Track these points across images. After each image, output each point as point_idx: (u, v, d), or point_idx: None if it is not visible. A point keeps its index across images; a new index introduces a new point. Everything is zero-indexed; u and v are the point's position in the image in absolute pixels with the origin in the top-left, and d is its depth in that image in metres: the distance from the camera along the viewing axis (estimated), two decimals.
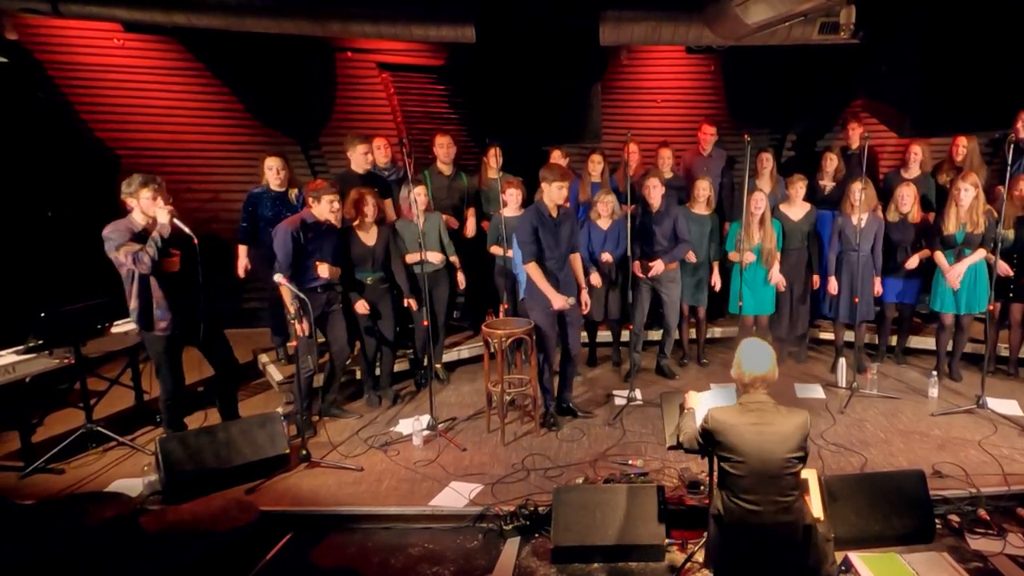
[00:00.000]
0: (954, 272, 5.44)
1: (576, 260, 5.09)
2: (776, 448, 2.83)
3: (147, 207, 4.36)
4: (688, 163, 6.68)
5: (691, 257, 5.84)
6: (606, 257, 5.63)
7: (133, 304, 4.46)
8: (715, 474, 3.59)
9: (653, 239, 5.65)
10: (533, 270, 4.85)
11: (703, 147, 6.67)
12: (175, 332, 4.56)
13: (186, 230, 4.34)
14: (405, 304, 5.43)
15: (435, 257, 5.53)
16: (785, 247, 5.89)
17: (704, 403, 3.61)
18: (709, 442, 2.98)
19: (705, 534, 3.67)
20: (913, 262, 5.65)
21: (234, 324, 6.72)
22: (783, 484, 2.86)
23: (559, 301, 4.83)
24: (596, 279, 5.63)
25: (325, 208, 4.88)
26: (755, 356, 3.00)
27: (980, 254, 5.41)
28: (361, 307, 5.27)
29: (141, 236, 4.36)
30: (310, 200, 4.91)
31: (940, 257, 5.51)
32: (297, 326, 4.65)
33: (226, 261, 5.74)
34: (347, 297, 5.28)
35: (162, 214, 4.31)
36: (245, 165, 6.70)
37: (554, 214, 4.84)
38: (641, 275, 5.67)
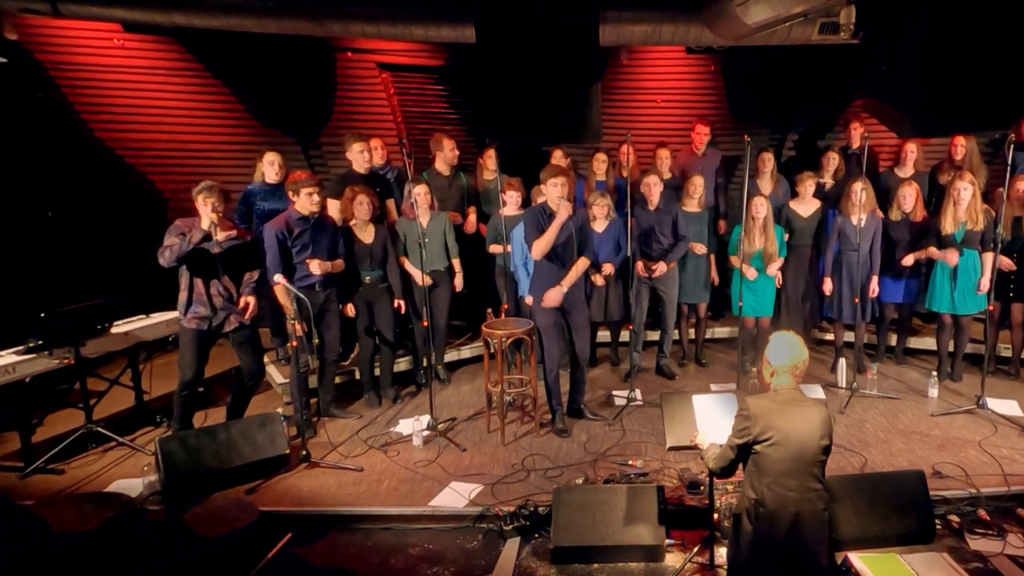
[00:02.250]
0: (952, 253, 5.38)
1: (581, 263, 4.94)
2: (813, 433, 2.84)
3: (202, 211, 4.56)
4: (683, 163, 6.67)
5: (699, 248, 5.85)
6: (607, 269, 5.61)
7: (183, 296, 4.63)
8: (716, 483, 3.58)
9: (652, 238, 5.66)
10: (538, 245, 4.78)
11: (697, 146, 6.67)
12: (207, 327, 4.66)
13: (215, 236, 4.56)
14: (395, 305, 5.43)
15: (416, 275, 5.51)
16: (793, 243, 5.89)
17: (707, 420, 3.61)
18: (748, 432, 2.87)
19: (706, 534, 3.69)
20: (909, 260, 5.65)
21: None
22: (816, 471, 2.87)
23: (564, 211, 4.73)
24: (599, 279, 5.62)
25: (305, 201, 4.86)
26: (785, 348, 2.97)
27: (990, 258, 5.35)
28: (349, 310, 5.27)
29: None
30: (291, 194, 4.90)
31: (934, 251, 5.50)
32: (296, 325, 4.66)
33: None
34: (346, 296, 5.29)
35: (205, 220, 4.54)
36: (246, 165, 6.68)
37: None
38: (644, 275, 5.67)
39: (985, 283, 5.36)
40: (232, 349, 4.92)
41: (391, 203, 5.87)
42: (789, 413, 2.87)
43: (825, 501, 2.90)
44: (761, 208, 5.65)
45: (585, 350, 5.17)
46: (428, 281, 5.35)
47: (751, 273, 5.65)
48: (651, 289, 5.80)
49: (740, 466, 3.02)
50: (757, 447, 2.87)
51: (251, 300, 4.75)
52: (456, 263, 5.79)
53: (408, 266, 5.51)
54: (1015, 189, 5.48)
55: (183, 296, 4.63)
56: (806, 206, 5.94)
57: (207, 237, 4.54)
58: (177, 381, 4.78)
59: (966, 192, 5.34)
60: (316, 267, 4.92)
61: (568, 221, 4.78)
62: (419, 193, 5.43)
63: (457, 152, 6.13)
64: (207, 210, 4.54)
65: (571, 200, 5.21)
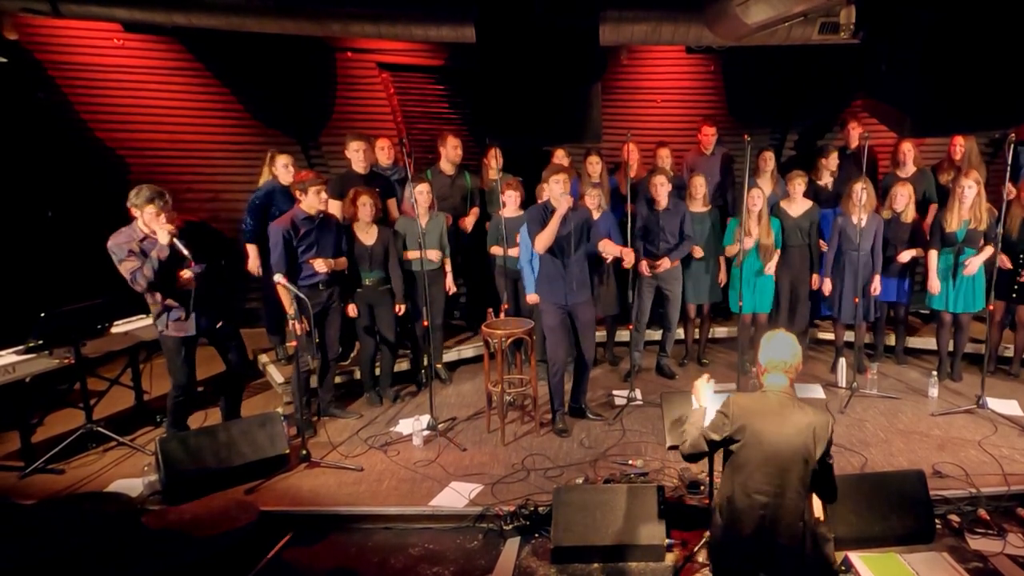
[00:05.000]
0: (936, 282, 5.52)
1: (605, 243, 5.01)
2: (790, 439, 2.82)
3: (149, 221, 4.34)
4: (691, 163, 6.70)
5: (697, 252, 5.86)
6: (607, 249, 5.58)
7: (155, 309, 4.48)
8: (714, 474, 3.59)
9: (659, 237, 5.67)
10: (540, 239, 4.79)
11: (705, 147, 6.68)
12: (192, 333, 4.60)
13: (184, 251, 4.32)
14: (396, 309, 5.44)
15: (434, 255, 5.54)
16: (786, 244, 5.90)
17: (710, 402, 3.59)
18: (723, 430, 2.89)
19: (707, 533, 3.69)
20: (904, 257, 5.66)
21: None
22: (793, 479, 2.83)
23: (564, 204, 4.71)
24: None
25: (313, 199, 4.86)
26: (778, 347, 2.98)
27: (988, 251, 5.39)
28: (351, 310, 5.27)
29: (145, 247, 4.35)
30: (298, 193, 4.90)
31: (932, 257, 5.52)
32: (297, 325, 4.66)
33: (227, 261, 5.75)
34: (348, 296, 5.29)
35: (162, 234, 4.28)
36: (245, 165, 6.70)
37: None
38: (648, 274, 5.67)
39: (976, 262, 5.37)
40: (213, 348, 4.88)
41: (392, 203, 5.88)
42: (768, 416, 2.86)
43: (802, 512, 2.85)
44: (758, 200, 5.68)
45: (590, 350, 5.17)
46: (435, 256, 5.38)
47: (748, 243, 5.63)
48: (655, 288, 5.80)
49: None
50: (732, 446, 2.89)
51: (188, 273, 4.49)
52: (447, 264, 5.79)
53: (410, 255, 5.53)
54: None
55: (155, 309, 4.47)
56: (796, 206, 5.94)
57: (174, 253, 4.32)
58: (170, 387, 4.74)
59: (970, 190, 5.35)
60: (321, 265, 4.93)
61: (569, 216, 4.79)
62: (420, 193, 5.43)
63: (460, 152, 6.13)
64: (161, 223, 4.28)
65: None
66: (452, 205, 6.12)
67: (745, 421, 2.85)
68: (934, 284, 5.53)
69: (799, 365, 3.01)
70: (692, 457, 3.08)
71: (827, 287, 5.80)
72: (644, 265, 5.66)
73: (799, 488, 2.85)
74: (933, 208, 5.93)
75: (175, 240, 4.30)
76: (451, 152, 6.10)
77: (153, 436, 4.81)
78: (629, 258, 5.06)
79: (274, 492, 4.37)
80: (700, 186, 5.94)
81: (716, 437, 2.92)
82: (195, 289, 4.50)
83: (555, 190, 4.81)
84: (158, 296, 4.45)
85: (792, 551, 2.85)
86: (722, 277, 6.05)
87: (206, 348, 4.85)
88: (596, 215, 5.68)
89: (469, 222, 6.18)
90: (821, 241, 5.98)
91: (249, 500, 4.20)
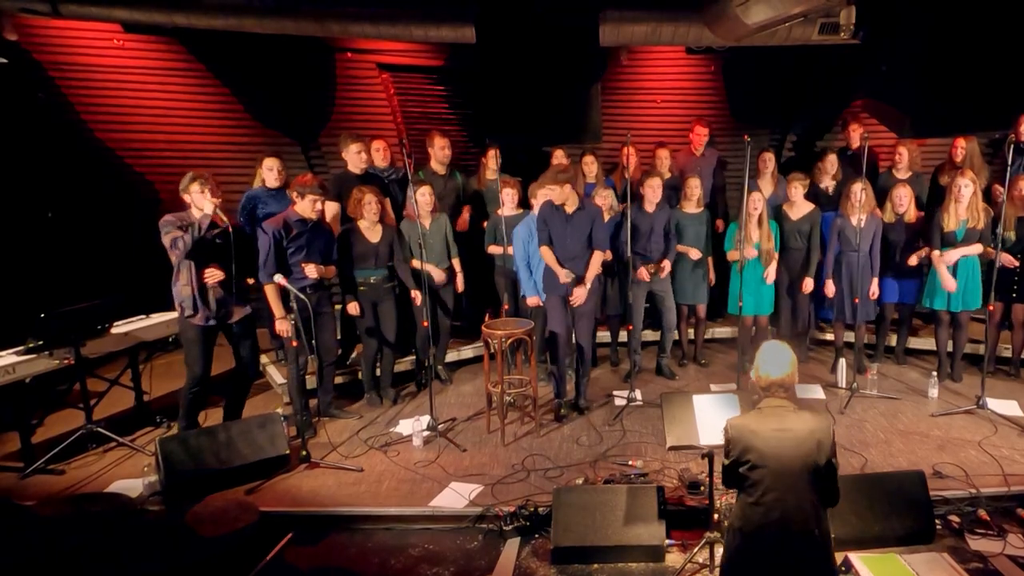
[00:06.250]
0: (950, 280, 5.45)
1: (595, 257, 5.05)
2: (795, 452, 2.77)
3: (197, 200, 4.54)
4: (681, 163, 6.68)
5: (695, 254, 5.86)
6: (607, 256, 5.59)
7: (187, 292, 4.55)
8: (714, 475, 3.58)
9: (650, 239, 5.66)
10: (545, 252, 4.92)
11: (696, 147, 6.68)
12: (215, 323, 4.66)
13: (223, 219, 4.58)
14: (412, 296, 5.43)
15: (434, 271, 5.50)
16: (785, 246, 5.90)
17: (707, 420, 3.57)
18: (730, 454, 2.88)
19: (707, 533, 3.69)
20: (914, 260, 5.65)
21: None
22: (805, 491, 2.78)
23: (563, 276, 4.88)
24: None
25: (307, 206, 4.86)
26: (773, 360, 2.93)
27: (976, 248, 5.40)
28: (352, 308, 5.27)
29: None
30: (294, 195, 4.90)
31: (936, 258, 5.51)
32: (287, 325, 4.67)
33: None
34: (345, 297, 5.29)
35: (207, 205, 4.51)
36: (245, 165, 6.68)
37: (568, 210, 4.84)
38: (647, 279, 5.67)
39: (955, 254, 5.37)
40: (227, 343, 4.89)
41: (387, 203, 5.87)
42: (767, 433, 2.81)
43: (819, 521, 2.81)
44: (758, 204, 5.68)
45: (585, 337, 5.21)
46: (442, 277, 5.41)
47: (751, 252, 5.65)
48: (647, 291, 5.80)
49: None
50: (740, 469, 2.85)
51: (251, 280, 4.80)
52: (456, 263, 5.79)
53: (417, 264, 5.51)
54: (1017, 189, 5.48)
55: (186, 291, 4.55)
56: (796, 209, 5.93)
57: (213, 225, 4.52)
58: (185, 379, 4.75)
59: (967, 189, 5.35)
60: (312, 271, 4.91)
61: (575, 219, 4.79)
62: (422, 195, 5.43)
63: (448, 152, 6.10)
64: (207, 197, 4.52)
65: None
66: (448, 205, 6.10)
67: (746, 442, 2.81)
68: (949, 283, 5.45)
69: (788, 380, 2.96)
70: (726, 484, 3.03)
71: (829, 289, 5.79)
72: (643, 271, 5.65)
73: (811, 497, 2.80)
74: (920, 215, 5.91)
75: (217, 211, 4.53)
76: (439, 152, 6.06)
77: (153, 436, 4.81)
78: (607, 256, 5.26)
79: (274, 493, 4.36)
80: (695, 187, 5.93)
81: (727, 461, 2.90)
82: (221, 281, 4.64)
83: (554, 197, 4.80)
84: (192, 277, 4.52)
85: (809, 560, 2.82)
86: (710, 277, 6.05)
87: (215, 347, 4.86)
88: (606, 217, 5.67)
89: (463, 219, 6.17)
90: None
91: (249, 501, 4.19)
